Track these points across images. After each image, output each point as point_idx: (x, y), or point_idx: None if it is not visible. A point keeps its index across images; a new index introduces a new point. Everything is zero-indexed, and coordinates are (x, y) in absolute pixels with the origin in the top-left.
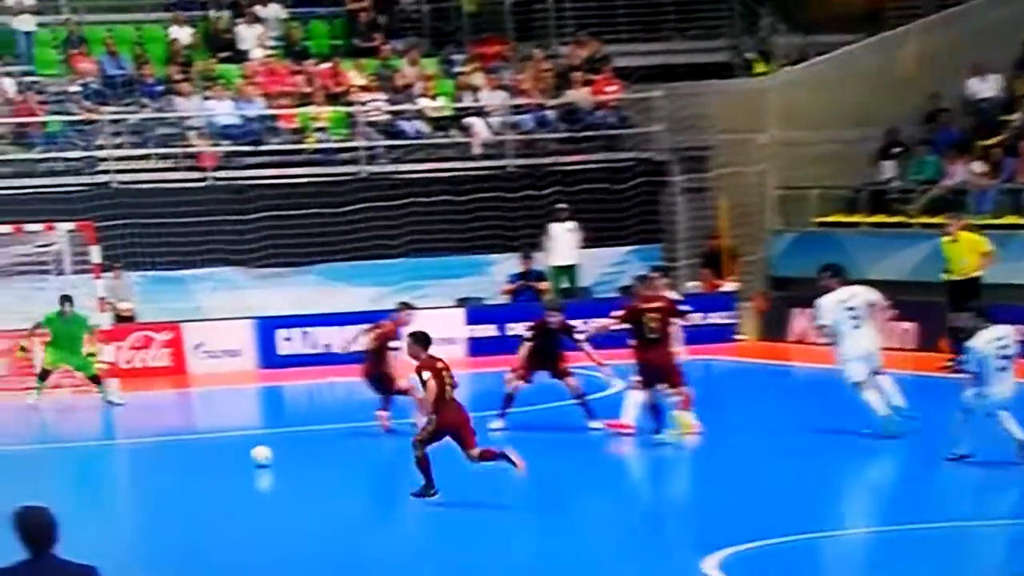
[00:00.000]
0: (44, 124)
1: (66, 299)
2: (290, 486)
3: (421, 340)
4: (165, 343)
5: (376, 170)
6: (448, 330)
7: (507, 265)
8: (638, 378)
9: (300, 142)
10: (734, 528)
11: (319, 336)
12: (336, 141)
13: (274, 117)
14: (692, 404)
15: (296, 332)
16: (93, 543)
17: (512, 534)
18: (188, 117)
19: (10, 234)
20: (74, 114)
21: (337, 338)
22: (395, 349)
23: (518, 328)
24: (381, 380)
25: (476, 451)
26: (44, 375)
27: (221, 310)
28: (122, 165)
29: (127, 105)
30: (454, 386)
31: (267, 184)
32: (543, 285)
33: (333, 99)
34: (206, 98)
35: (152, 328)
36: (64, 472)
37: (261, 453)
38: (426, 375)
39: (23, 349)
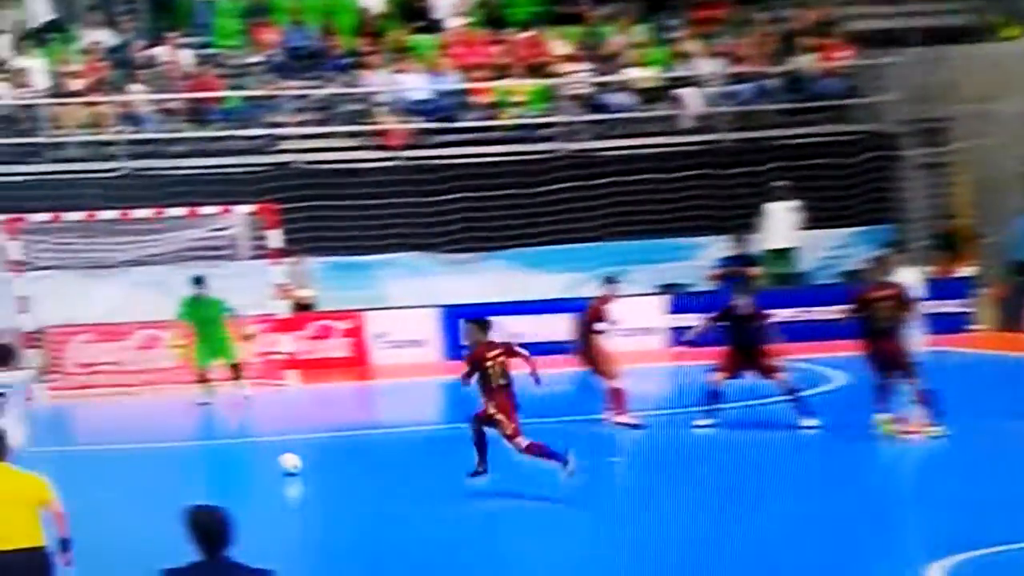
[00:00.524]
0: (222, 100)
1: (199, 281)
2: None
3: (480, 325)
4: (346, 332)
5: (576, 147)
6: (648, 319)
7: (716, 249)
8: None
9: (495, 118)
10: (965, 532)
11: (508, 326)
12: (534, 116)
13: (468, 91)
14: (926, 400)
15: None
16: (266, 543)
17: (731, 533)
18: (376, 92)
19: (184, 217)
20: (254, 89)
21: (527, 328)
22: (600, 332)
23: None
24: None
25: (521, 443)
26: (203, 379)
27: (405, 298)
28: (304, 144)
29: (311, 80)
30: (505, 375)
31: (458, 164)
32: (755, 271)
33: (533, 71)
34: (396, 72)
35: (333, 317)
36: (239, 468)
37: (289, 461)
38: (467, 367)
39: (180, 347)
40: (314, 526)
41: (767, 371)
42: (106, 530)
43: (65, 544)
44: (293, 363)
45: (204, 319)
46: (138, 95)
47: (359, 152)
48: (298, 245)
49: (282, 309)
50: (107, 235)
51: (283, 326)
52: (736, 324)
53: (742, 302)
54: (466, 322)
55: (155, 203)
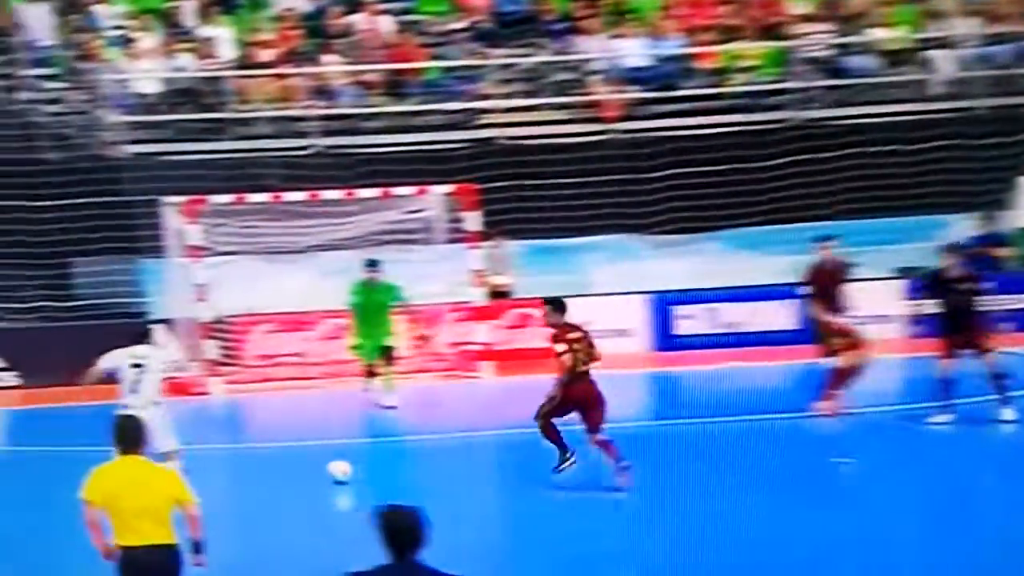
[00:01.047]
0: (422, 71)
1: (372, 264)
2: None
3: (557, 306)
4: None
5: (811, 116)
6: (883, 306)
7: (961, 227)
8: None
9: (720, 85)
10: None
11: (724, 314)
12: (764, 83)
13: (692, 56)
14: None
15: (696, 309)
16: (457, 546)
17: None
18: (591, 60)
19: (376, 198)
20: (457, 59)
21: (743, 316)
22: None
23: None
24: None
25: (598, 437)
26: (371, 373)
27: (611, 284)
28: (509, 118)
29: (520, 48)
30: (592, 359)
31: (676, 136)
32: (1003, 252)
33: (765, 33)
34: (614, 36)
35: (532, 304)
36: (429, 466)
37: (339, 468)
38: (561, 347)
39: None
40: (502, 527)
41: (981, 347)
42: (273, 532)
43: (198, 546)
44: (488, 354)
45: (372, 306)
46: (332, 67)
47: (568, 126)
48: (496, 228)
49: (478, 297)
50: (293, 218)
51: (478, 315)
52: (948, 290)
53: (952, 264)
54: (544, 302)
55: (346, 184)
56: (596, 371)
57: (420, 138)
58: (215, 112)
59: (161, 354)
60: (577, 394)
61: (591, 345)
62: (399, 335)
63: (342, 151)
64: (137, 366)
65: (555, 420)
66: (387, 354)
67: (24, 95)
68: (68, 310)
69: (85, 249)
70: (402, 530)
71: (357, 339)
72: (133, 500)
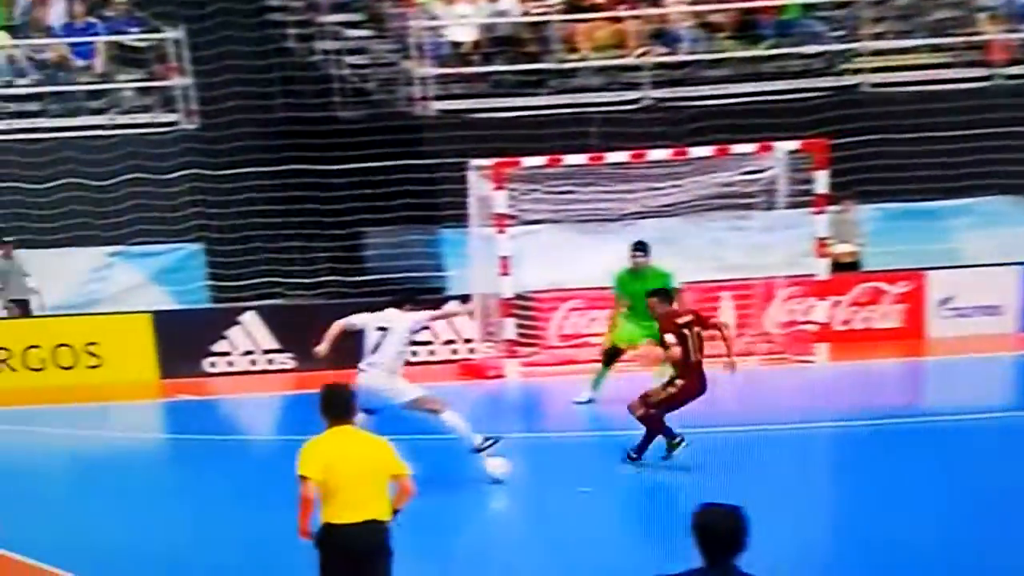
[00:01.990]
0: (779, 11)
1: (640, 248)
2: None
3: (663, 296)
4: (899, 297)
5: None
6: None
7: None
8: None
9: None
10: None
11: None
12: None
13: None
14: None
15: None
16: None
17: None
18: None
19: (710, 157)
20: None
21: None
22: None
23: None
24: None
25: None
26: (611, 357)
27: (981, 254)
28: (877, 62)
29: None
30: (701, 349)
31: None
32: None
33: None
34: None
35: (884, 278)
36: (752, 458)
37: (497, 466)
38: (670, 337)
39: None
40: (825, 528)
41: None
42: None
43: (395, 512)
44: (825, 335)
45: (639, 296)
46: (675, 7)
47: (946, 71)
48: (845, 190)
49: (820, 269)
50: (611, 181)
51: (818, 289)
52: None
53: None
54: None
55: (677, 141)
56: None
57: (768, 87)
58: (537, 63)
59: (408, 323)
60: (694, 387)
61: (704, 324)
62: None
63: (675, 104)
64: (382, 329)
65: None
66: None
67: (323, 45)
68: (355, 285)
69: (379, 218)
70: (718, 532)
71: (618, 332)
72: (350, 472)
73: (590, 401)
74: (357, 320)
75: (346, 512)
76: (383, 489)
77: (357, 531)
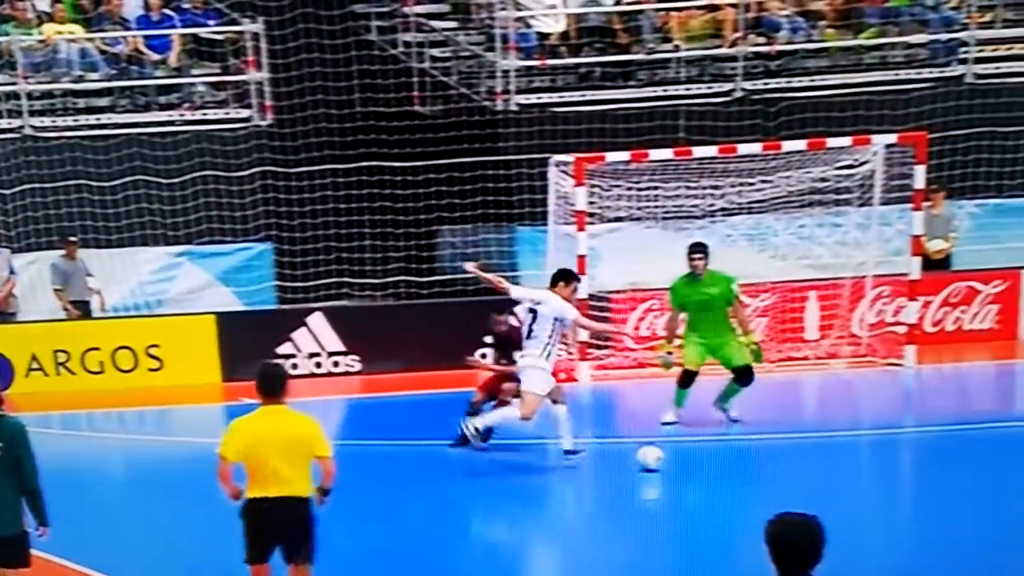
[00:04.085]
0: None
1: (698, 249)
2: None
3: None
4: (993, 298)
5: None
6: None
7: None
8: None
9: None
10: None
11: None
12: None
13: None
14: None
15: None
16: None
17: None
18: None
19: (801, 152)
20: None
21: None
22: None
23: None
24: None
25: None
26: (688, 379)
27: None
28: (986, 52)
29: None
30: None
31: None
32: None
33: None
34: None
35: (978, 277)
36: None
37: (651, 455)
38: None
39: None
40: (909, 540)
41: None
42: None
43: (326, 492)
44: (915, 337)
45: (699, 307)
46: None
47: None
48: (942, 184)
49: (912, 267)
50: (697, 176)
51: (910, 289)
52: None
53: None
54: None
55: (768, 135)
56: None
57: (869, 78)
58: (626, 54)
59: (557, 302)
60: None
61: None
62: (744, 348)
63: (768, 96)
64: (532, 311)
65: None
66: (742, 376)
67: (405, 37)
68: (425, 286)
69: (454, 216)
70: (791, 543)
71: (686, 353)
72: (270, 450)
73: (675, 423)
74: (516, 290)
75: (266, 487)
76: (305, 467)
77: (276, 506)
